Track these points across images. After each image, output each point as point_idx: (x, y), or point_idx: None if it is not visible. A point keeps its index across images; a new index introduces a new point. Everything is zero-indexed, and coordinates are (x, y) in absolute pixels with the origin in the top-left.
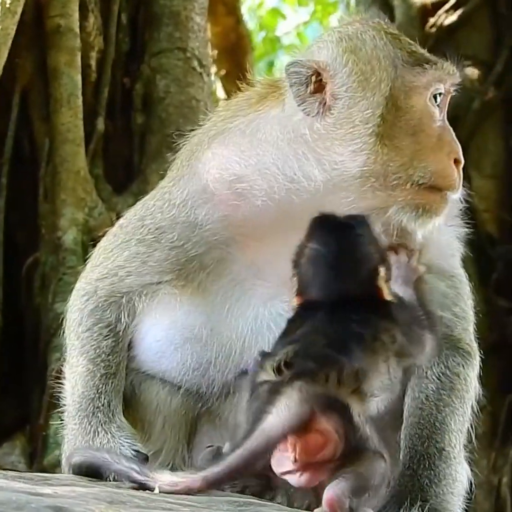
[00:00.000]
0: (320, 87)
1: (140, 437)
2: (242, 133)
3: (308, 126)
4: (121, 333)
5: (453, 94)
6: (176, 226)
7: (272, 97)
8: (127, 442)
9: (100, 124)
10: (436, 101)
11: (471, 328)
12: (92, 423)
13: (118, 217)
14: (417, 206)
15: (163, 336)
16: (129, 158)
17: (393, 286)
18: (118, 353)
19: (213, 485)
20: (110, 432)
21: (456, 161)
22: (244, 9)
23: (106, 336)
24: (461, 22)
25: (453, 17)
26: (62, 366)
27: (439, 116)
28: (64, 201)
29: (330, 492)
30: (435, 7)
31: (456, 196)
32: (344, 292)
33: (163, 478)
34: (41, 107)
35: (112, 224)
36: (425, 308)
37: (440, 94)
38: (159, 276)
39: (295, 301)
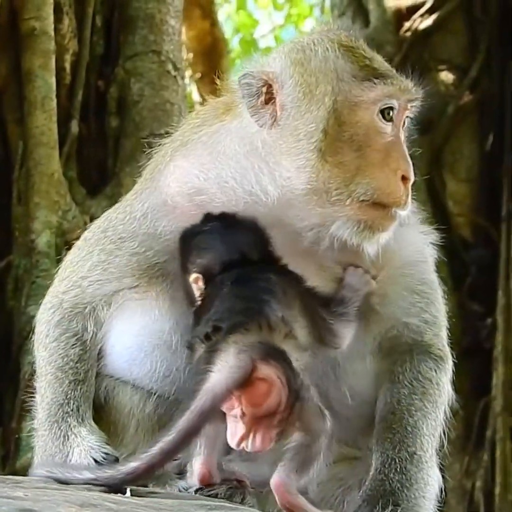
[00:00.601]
0: (271, 98)
1: (113, 441)
2: (203, 145)
3: (260, 139)
4: (88, 341)
5: (412, 110)
6: (137, 236)
7: (237, 108)
8: (97, 445)
9: (74, 127)
10: (385, 117)
11: (443, 333)
12: (62, 428)
13: (91, 220)
14: (359, 222)
15: (133, 343)
16: (103, 161)
17: (344, 292)
18: (86, 361)
19: (170, 454)
20: (80, 436)
21: (404, 178)
22: (221, 12)
23: (73, 345)
24: (436, 27)
25: (428, 22)
26: (35, 369)
27: (390, 131)
28: (38, 204)
29: (276, 477)
30: (410, 11)
31: (404, 212)
32: (240, 259)
33: (126, 468)
34: (15, 110)
35: (85, 227)
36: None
37: (391, 109)
38: (119, 283)
39: (197, 282)
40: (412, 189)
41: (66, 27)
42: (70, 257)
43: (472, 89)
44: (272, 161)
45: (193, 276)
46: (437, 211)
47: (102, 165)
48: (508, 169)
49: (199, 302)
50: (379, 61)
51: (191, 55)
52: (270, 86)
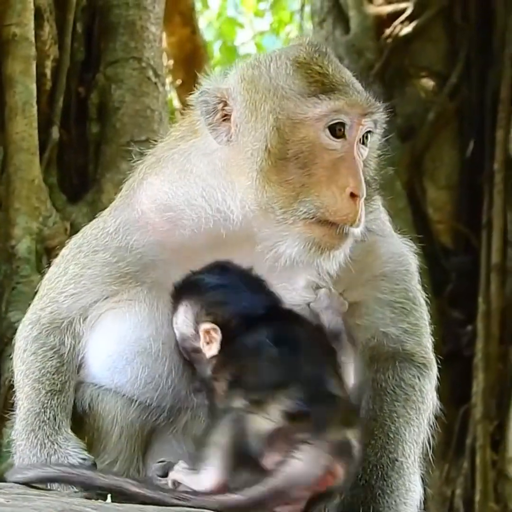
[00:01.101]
0: (227, 115)
1: (96, 447)
2: (174, 163)
3: (219, 156)
4: (66, 354)
5: (373, 124)
6: (109, 248)
7: (203, 128)
8: (74, 451)
9: (55, 133)
10: (335, 133)
11: (426, 340)
12: (38, 436)
13: (72, 226)
14: (306, 240)
15: (114, 351)
16: (84, 167)
17: (324, 317)
18: (63, 373)
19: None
20: (57, 443)
21: (353, 195)
22: (202, 19)
23: (51, 357)
24: (416, 33)
25: (408, 28)
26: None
27: (340, 148)
28: (18, 210)
29: None
30: (391, 18)
31: (356, 230)
32: (258, 314)
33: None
34: None
35: (66, 233)
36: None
37: (341, 125)
38: (94, 294)
39: (209, 333)
40: (386, 192)
41: (46, 34)
42: (49, 274)
43: (452, 96)
44: (228, 179)
45: (206, 326)
46: (418, 218)
47: (83, 171)
48: (488, 176)
49: (211, 356)
50: (334, 76)
51: (171, 61)
52: (226, 103)
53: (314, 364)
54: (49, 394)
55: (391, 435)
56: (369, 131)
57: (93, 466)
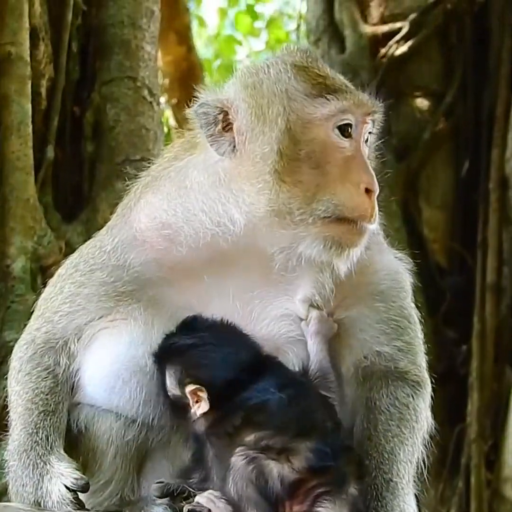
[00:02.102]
0: (228, 125)
1: (91, 467)
2: (171, 180)
3: (222, 167)
4: (60, 375)
5: (374, 124)
6: (107, 267)
7: (200, 140)
8: (66, 471)
9: (50, 152)
10: (343, 132)
11: (420, 359)
12: (30, 457)
13: (67, 245)
14: (326, 239)
15: (109, 370)
16: (79, 186)
17: (311, 343)
18: (57, 393)
19: None
20: (49, 463)
21: (368, 190)
22: (201, 37)
23: (45, 378)
24: (412, 53)
25: (404, 48)
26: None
27: (349, 146)
28: (13, 229)
29: None
30: (386, 38)
31: (372, 226)
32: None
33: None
34: None
35: (61, 252)
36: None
37: (348, 125)
38: (89, 314)
39: (196, 393)
40: (381, 210)
41: (42, 53)
42: (44, 294)
43: (448, 116)
44: (235, 188)
45: (191, 388)
46: (413, 238)
47: (78, 190)
48: (483, 195)
49: (202, 413)
50: (334, 78)
51: (167, 80)
52: (226, 113)
53: (322, 412)
54: (42, 414)
55: (386, 455)
56: (370, 132)
57: (86, 485)
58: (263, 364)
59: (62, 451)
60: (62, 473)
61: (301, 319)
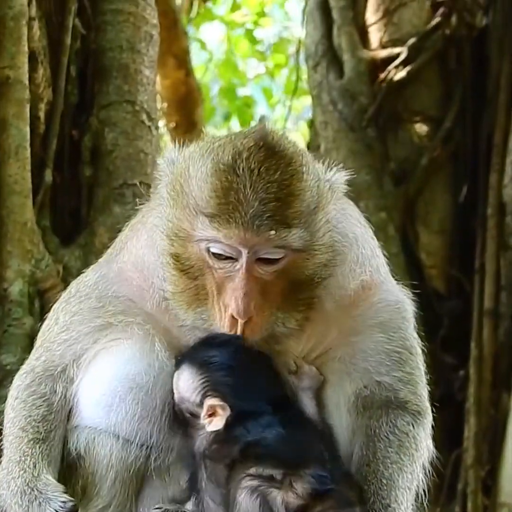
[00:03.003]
0: None
1: (89, 491)
2: (147, 228)
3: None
4: (55, 403)
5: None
6: (92, 297)
7: None
8: (54, 495)
9: (48, 176)
10: (217, 255)
11: (421, 389)
12: (18, 484)
13: (64, 269)
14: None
15: (107, 389)
16: (77, 210)
17: (302, 397)
18: (50, 422)
19: None
20: (37, 489)
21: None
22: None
23: (39, 406)
24: (410, 78)
25: (402, 73)
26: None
27: (228, 267)
28: (11, 252)
29: None
30: (385, 63)
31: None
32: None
33: None
34: None
35: (58, 276)
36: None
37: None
38: (84, 338)
39: (215, 410)
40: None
41: (40, 76)
42: (42, 328)
43: (446, 141)
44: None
45: (213, 401)
46: (410, 263)
47: (76, 214)
48: (481, 220)
49: (212, 430)
50: (230, 195)
51: (165, 104)
52: None
53: (321, 444)
54: (31, 442)
55: (384, 481)
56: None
57: (74, 507)
58: (282, 402)
59: (50, 477)
60: (50, 498)
61: (290, 372)
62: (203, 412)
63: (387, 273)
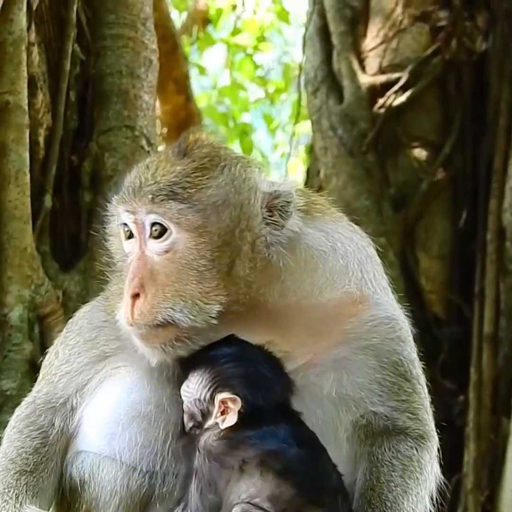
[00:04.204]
0: None
1: None
2: None
3: None
4: (51, 436)
5: (153, 218)
6: (85, 330)
7: None
8: None
9: (48, 201)
10: (127, 235)
11: (422, 412)
12: None
13: (64, 294)
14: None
15: (110, 417)
16: (76, 236)
17: None
18: (42, 454)
19: None
20: None
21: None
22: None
23: (34, 437)
24: (410, 103)
25: (402, 98)
26: None
27: (131, 249)
28: (11, 278)
29: None
30: (384, 88)
31: (137, 328)
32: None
33: None
34: None
35: (58, 302)
36: None
37: (124, 225)
38: (87, 371)
39: (226, 404)
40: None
41: (40, 102)
42: (44, 362)
43: (446, 166)
44: None
45: (225, 395)
46: (410, 288)
47: (75, 239)
48: (481, 246)
49: (226, 427)
50: (132, 179)
51: (165, 129)
52: None
53: (334, 479)
54: (17, 475)
55: (389, 504)
56: (156, 223)
57: None
58: (290, 409)
59: (33, 507)
60: None
61: None
62: (216, 409)
63: (383, 289)
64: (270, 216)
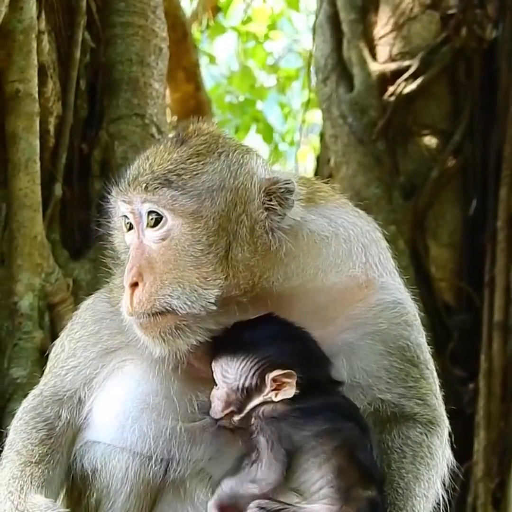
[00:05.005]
0: None
1: (104, 506)
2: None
3: None
4: (58, 428)
5: (149, 207)
6: (88, 324)
7: None
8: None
9: (58, 190)
10: (128, 227)
11: (431, 398)
12: (6, 509)
13: (74, 283)
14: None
15: (120, 409)
16: (86, 224)
17: None
18: (48, 445)
19: None
20: (27, 510)
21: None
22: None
23: (40, 429)
24: (420, 91)
25: (412, 86)
26: None
27: (132, 240)
28: (21, 266)
29: None
30: (394, 76)
31: (138, 318)
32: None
33: None
34: None
35: (68, 290)
36: None
37: (124, 217)
38: (94, 364)
39: (281, 380)
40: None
41: (50, 90)
42: (51, 355)
43: (456, 154)
44: None
45: (279, 372)
46: (420, 276)
47: (85, 228)
48: (491, 234)
49: (281, 398)
50: (132, 170)
51: (175, 118)
52: None
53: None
54: (22, 466)
55: (400, 491)
56: (152, 211)
57: None
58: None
59: (39, 497)
60: None
61: None
62: (268, 388)
63: (389, 272)
64: (269, 201)
